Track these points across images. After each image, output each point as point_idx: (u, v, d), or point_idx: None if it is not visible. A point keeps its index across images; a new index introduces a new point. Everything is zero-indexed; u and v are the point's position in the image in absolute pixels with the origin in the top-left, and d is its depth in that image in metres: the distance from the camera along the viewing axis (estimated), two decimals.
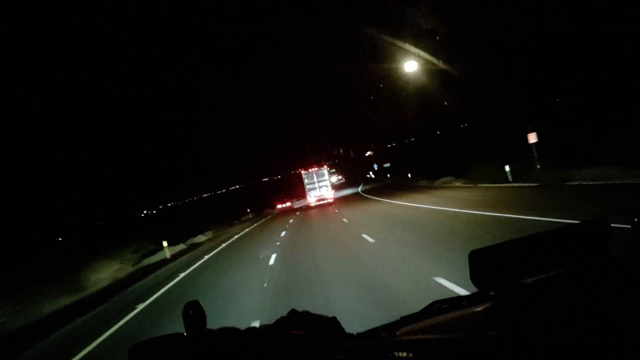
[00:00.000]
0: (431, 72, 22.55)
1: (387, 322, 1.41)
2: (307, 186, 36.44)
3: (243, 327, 1.55)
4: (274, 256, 13.23)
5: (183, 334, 1.50)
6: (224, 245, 22.39)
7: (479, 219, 11.57)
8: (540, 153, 21.29)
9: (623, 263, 1.06)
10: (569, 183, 14.74)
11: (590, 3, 18.51)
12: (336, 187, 57.19)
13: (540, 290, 1.03)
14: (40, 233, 48.94)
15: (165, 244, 22.47)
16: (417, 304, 1.81)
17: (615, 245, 1.13)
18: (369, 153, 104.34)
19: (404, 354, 0.88)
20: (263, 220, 37.97)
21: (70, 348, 8.54)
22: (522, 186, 17.93)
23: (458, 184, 27.33)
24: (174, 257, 22.60)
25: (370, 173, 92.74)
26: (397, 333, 1.26)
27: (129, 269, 22.54)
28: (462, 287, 5.68)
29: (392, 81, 28.53)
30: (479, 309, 1.16)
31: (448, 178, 31.19)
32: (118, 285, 17.00)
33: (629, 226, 1.21)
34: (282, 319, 1.39)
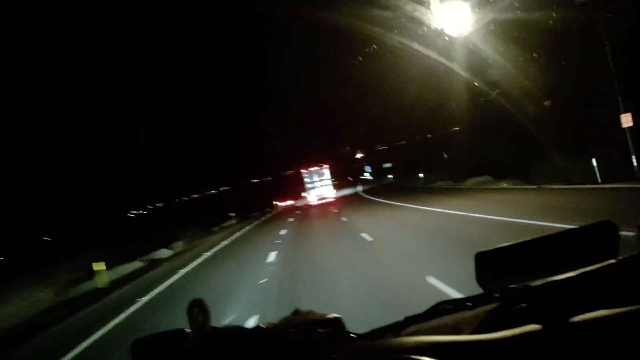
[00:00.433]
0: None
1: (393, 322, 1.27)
2: (307, 185, 36.57)
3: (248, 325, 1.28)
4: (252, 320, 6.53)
5: (185, 330, 1.26)
6: (182, 271, 15.42)
7: None
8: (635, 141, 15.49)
9: (631, 265, 1.02)
10: None
11: None
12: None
13: (547, 293, 0.99)
14: None
15: (99, 267, 15.15)
16: None
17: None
18: (360, 155, 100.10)
19: (410, 357, 0.86)
20: (248, 227, 30.84)
21: None
22: (630, 188, 12.87)
23: (505, 185, 20.81)
24: (115, 284, 15.72)
25: (366, 174, 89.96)
26: (402, 333, 1.19)
27: (49, 301, 15.61)
28: None
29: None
30: (484, 310, 1.12)
31: (483, 178, 24.73)
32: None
33: None
34: (286, 318, 1.27)
